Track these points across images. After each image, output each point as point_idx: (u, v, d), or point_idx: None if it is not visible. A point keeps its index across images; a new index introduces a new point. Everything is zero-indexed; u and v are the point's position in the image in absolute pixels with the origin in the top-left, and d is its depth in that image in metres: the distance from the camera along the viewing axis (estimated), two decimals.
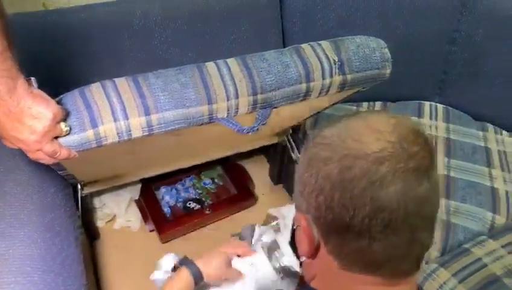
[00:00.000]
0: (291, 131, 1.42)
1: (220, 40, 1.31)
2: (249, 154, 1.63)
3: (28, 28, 1.07)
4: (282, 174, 1.62)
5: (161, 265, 0.99)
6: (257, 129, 0.80)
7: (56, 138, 0.66)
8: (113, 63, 1.22)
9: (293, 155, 1.44)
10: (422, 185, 0.44)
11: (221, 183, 1.59)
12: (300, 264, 0.57)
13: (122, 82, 0.72)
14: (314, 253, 0.50)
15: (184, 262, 0.88)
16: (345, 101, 1.17)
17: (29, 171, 0.90)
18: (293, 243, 0.56)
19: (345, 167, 0.45)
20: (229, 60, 0.78)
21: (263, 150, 1.67)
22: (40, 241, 0.81)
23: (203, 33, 1.29)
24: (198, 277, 0.85)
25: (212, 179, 1.61)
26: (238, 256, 0.91)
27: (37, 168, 0.91)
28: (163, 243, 1.42)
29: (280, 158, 1.58)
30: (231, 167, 1.64)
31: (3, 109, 0.60)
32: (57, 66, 1.14)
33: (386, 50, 0.88)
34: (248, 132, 0.79)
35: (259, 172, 1.68)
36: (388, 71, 0.89)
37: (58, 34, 1.14)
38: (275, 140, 1.46)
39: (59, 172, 0.90)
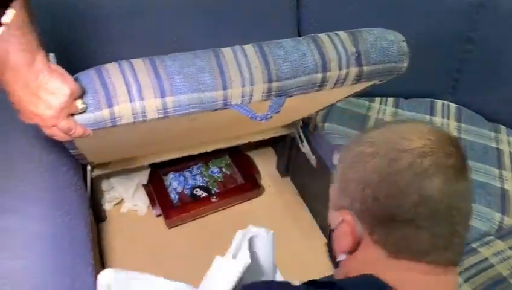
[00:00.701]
0: (301, 123, 1.42)
1: (233, 27, 1.31)
2: (257, 145, 1.63)
3: (39, 9, 1.07)
4: (290, 166, 1.62)
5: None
6: (270, 117, 0.79)
7: (71, 115, 0.66)
8: (124, 45, 1.21)
9: (302, 148, 1.44)
10: (460, 182, 0.48)
11: (228, 173, 1.60)
12: (336, 264, 0.58)
13: (139, 63, 0.72)
14: (356, 247, 0.53)
15: None
16: (357, 95, 1.17)
17: (41, 149, 0.90)
18: (330, 245, 0.59)
19: (391, 159, 0.48)
20: (245, 46, 0.78)
21: (271, 142, 1.67)
22: (50, 219, 0.82)
23: (216, 18, 1.28)
24: None
25: (220, 168, 1.61)
26: None
27: (49, 147, 0.92)
28: (170, 228, 1.43)
29: (288, 150, 1.58)
30: (239, 157, 1.64)
31: (22, 83, 0.60)
32: (68, 47, 1.14)
33: (404, 44, 0.87)
34: (261, 119, 0.78)
35: (266, 164, 1.68)
36: (405, 65, 0.88)
37: (69, 15, 1.14)
38: (284, 132, 1.46)
39: (71, 151, 0.90)
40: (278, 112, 0.79)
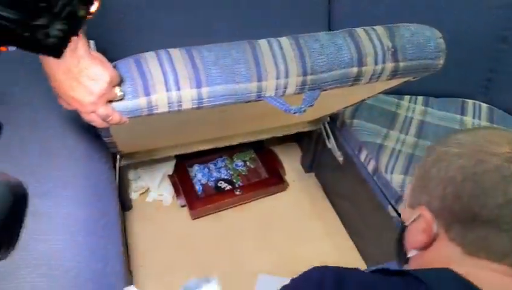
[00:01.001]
0: (328, 119, 1.41)
1: (263, 20, 1.30)
2: (282, 140, 1.63)
3: None
4: (315, 162, 1.62)
5: None
6: (304, 111, 0.79)
7: (110, 102, 0.67)
8: (155, 35, 1.21)
9: (328, 144, 1.43)
10: None
11: (252, 167, 1.60)
12: (406, 261, 0.58)
13: (176, 52, 0.72)
14: (430, 244, 0.53)
15: None
16: (387, 92, 1.15)
17: (76, 135, 0.92)
18: (400, 241, 0.59)
19: (478, 160, 0.49)
20: (281, 39, 0.77)
21: (295, 137, 1.66)
22: (84, 204, 0.84)
23: (247, 10, 1.28)
24: None
25: (244, 161, 1.61)
26: None
27: (83, 134, 0.94)
28: (193, 219, 1.44)
29: (314, 146, 1.57)
30: (264, 151, 1.64)
31: (63, 68, 0.61)
32: (103, 35, 1.15)
33: (441, 40, 0.85)
34: (295, 112, 0.78)
35: (290, 159, 1.68)
36: (441, 62, 0.86)
37: (104, 2, 1.15)
38: (311, 127, 1.45)
39: (105, 139, 0.92)
40: (311, 105, 0.79)
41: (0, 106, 0.91)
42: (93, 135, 0.96)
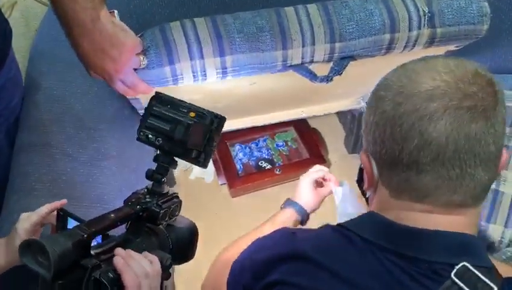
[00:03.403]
0: None
1: None
2: (324, 120, 1.59)
3: None
4: (358, 142, 1.57)
5: None
6: (331, 79, 0.77)
7: (135, 70, 0.69)
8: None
9: None
10: (477, 124, 0.46)
11: (294, 147, 1.59)
12: (367, 200, 0.60)
13: (200, 22, 0.72)
14: (375, 186, 0.54)
15: (287, 203, 0.87)
16: None
17: (113, 109, 0.96)
18: (359, 181, 0.60)
19: (397, 103, 0.48)
20: (309, 6, 0.75)
21: (339, 117, 1.62)
22: (118, 174, 0.87)
23: None
24: (303, 213, 0.84)
25: (286, 141, 1.60)
26: (323, 179, 0.90)
27: (120, 108, 0.97)
28: (233, 197, 1.45)
29: (357, 126, 1.52)
30: (306, 131, 1.62)
31: (88, 38, 0.63)
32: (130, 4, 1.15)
33: (485, 3, 0.79)
34: (321, 81, 0.76)
35: (333, 139, 1.64)
36: (485, 27, 0.80)
37: None
38: (352, 106, 1.41)
39: (139, 112, 0.94)
40: (340, 74, 0.76)
41: (45, 82, 0.96)
42: (130, 108, 0.99)
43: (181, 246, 0.64)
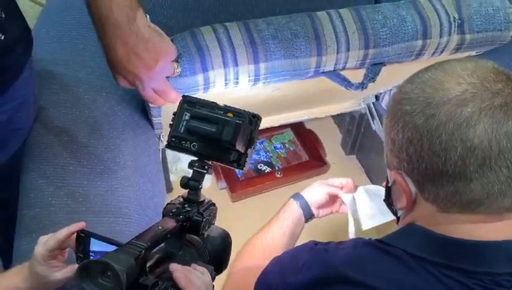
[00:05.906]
0: (374, 99, 1.36)
1: None
2: (319, 121, 1.58)
3: None
4: (357, 144, 1.57)
5: None
6: (365, 87, 0.75)
7: (167, 78, 0.65)
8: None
9: (372, 125, 1.38)
10: None
11: (291, 149, 1.57)
12: (398, 219, 0.58)
13: (233, 27, 0.69)
14: (412, 205, 0.52)
15: (292, 196, 0.85)
16: None
17: (124, 116, 0.90)
18: (388, 201, 0.58)
19: (429, 115, 0.46)
20: (341, 10, 0.73)
21: (334, 118, 1.62)
22: (136, 185, 0.82)
23: None
24: (306, 208, 0.83)
25: (283, 143, 1.58)
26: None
27: (131, 114, 0.92)
28: (234, 202, 1.42)
29: (356, 127, 1.52)
30: (303, 133, 1.60)
31: (122, 39, 0.58)
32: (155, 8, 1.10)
33: (511, 10, 0.80)
34: (357, 88, 0.74)
35: (330, 140, 1.63)
36: (511, 34, 0.81)
37: None
38: (354, 108, 1.41)
39: (153, 119, 0.89)
40: (374, 80, 0.75)
41: (48, 87, 0.90)
42: (140, 115, 0.94)
43: (217, 257, 0.60)
